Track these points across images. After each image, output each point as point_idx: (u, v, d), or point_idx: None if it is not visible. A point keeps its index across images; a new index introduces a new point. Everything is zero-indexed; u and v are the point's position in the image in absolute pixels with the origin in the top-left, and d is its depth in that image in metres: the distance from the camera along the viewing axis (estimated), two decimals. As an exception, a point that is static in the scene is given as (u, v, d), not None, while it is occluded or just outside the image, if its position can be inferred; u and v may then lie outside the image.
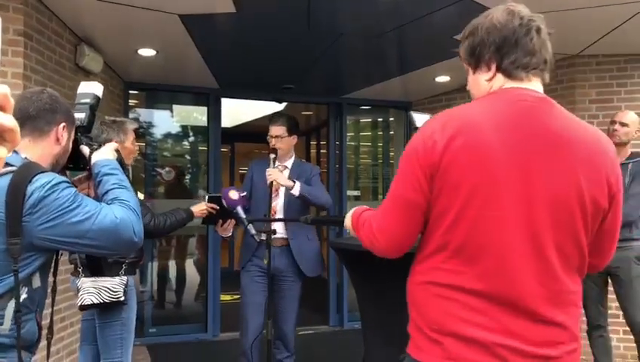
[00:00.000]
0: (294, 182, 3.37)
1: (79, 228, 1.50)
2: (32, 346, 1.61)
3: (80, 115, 1.81)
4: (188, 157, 6.56)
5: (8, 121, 0.57)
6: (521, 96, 1.36)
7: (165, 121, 6.24)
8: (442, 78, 5.42)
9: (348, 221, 1.68)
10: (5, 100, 0.59)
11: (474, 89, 1.49)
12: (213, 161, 5.87)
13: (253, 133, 7.88)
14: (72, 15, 3.79)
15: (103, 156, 1.77)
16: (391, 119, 6.95)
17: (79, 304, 2.65)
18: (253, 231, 2.75)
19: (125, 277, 2.70)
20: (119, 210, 1.58)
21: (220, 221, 3.23)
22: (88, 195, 1.98)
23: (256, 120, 8.30)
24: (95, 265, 2.23)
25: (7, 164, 1.49)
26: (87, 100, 1.85)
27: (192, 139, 6.51)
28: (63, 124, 1.71)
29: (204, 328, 5.72)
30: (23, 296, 1.51)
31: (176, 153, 6.49)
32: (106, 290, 2.60)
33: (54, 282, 1.77)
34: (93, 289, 2.59)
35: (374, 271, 2.61)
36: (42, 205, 1.47)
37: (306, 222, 2.04)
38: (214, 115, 5.91)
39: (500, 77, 1.40)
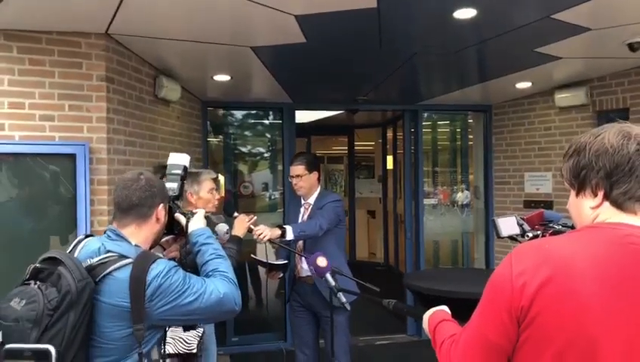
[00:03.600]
0: (283, 228, 3.29)
1: (190, 308, 1.73)
2: None
3: (172, 185, 2.05)
4: (263, 169, 6.70)
5: None
6: (630, 238, 1.18)
7: (242, 135, 6.43)
8: (523, 85, 5.15)
9: (425, 324, 1.61)
10: None
11: (575, 212, 1.33)
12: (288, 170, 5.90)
13: (328, 126, 9.39)
14: (150, 52, 3.91)
15: (198, 225, 1.98)
16: (470, 121, 6.72)
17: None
18: (343, 299, 2.57)
19: (201, 329, 2.72)
20: (222, 285, 1.79)
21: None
22: (174, 258, 2.21)
23: (330, 117, 8.35)
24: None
25: (122, 256, 1.72)
26: (178, 171, 2.10)
27: (268, 152, 6.66)
28: (161, 205, 1.88)
29: (283, 336, 5.85)
30: None
31: (251, 165, 6.65)
32: (181, 341, 2.68)
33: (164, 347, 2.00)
34: (171, 339, 2.67)
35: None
36: (160, 291, 1.69)
37: (387, 306, 2.00)
38: (289, 126, 5.97)
39: (607, 206, 1.24)
